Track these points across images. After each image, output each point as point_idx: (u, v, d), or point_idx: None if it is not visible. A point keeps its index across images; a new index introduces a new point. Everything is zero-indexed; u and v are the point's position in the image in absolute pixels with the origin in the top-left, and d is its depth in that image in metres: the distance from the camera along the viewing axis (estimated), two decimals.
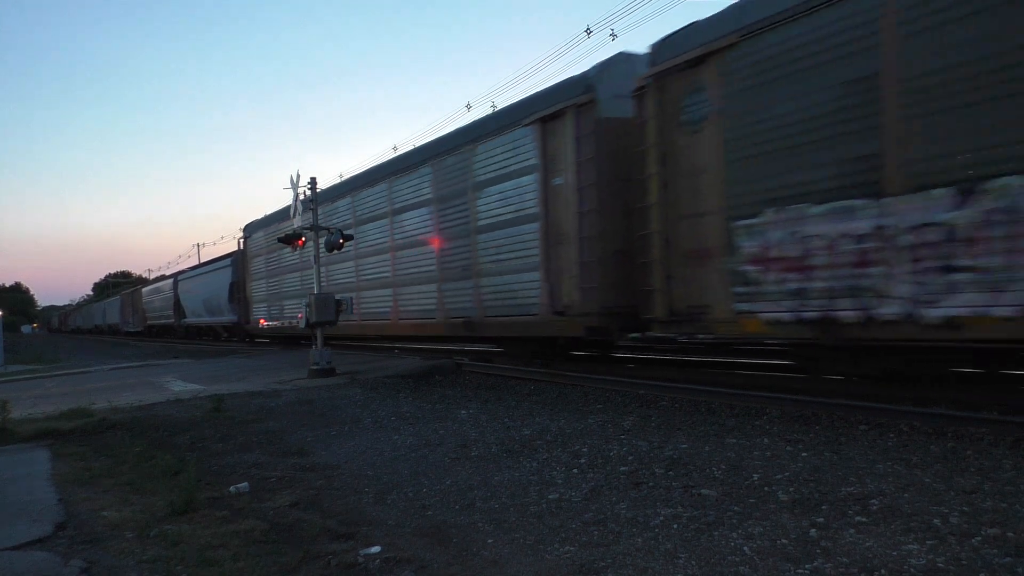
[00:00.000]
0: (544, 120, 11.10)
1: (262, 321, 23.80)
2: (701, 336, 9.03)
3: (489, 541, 4.17)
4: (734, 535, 3.95)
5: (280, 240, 14.90)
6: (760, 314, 8.00)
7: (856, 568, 3.41)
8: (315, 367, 13.58)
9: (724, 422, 7.04)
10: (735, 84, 8.17)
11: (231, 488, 5.58)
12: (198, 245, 60.63)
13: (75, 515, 5.03)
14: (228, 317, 28.53)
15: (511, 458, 6.09)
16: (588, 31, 18.63)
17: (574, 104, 10.53)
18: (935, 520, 3.95)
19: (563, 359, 12.48)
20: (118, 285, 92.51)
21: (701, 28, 8.74)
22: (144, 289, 50.43)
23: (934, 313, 6.48)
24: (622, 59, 10.48)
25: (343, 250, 14.73)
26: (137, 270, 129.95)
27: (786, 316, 7.71)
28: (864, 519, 4.05)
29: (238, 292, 26.83)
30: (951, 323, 6.37)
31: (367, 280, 16.66)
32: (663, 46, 9.20)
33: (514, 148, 11.84)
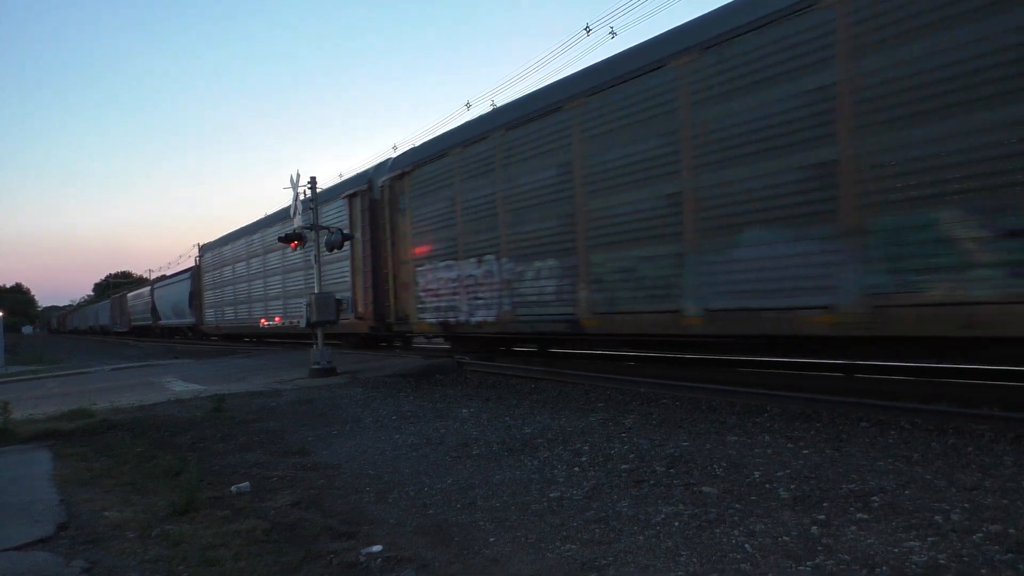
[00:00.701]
0: (349, 196, 17.56)
1: (263, 321, 24.12)
2: (408, 333, 16.02)
3: (490, 540, 4.17)
4: (735, 532, 3.96)
5: (280, 239, 14.99)
6: (426, 320, 14.08)
7: (858, 565, 3.41)
8: (316, 367, 13.58)
9: (725, 420, 7.04)
10: (413, 192, 14.44)
11: (232, 488, 5.58)
12: (198, 245, 61.02)
13: (77, 515, 5.03)
14: (189, 319, 35.51)
15: (512, 457, 6.09)
16: (587, 29, 18.59)
17: (360, 189, 17.03)
18: (936, 517, 3.95)
19: (375, 347, 19.20)
20: (118, 286, 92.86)
21: (407, 155, 15.23)
22: (128, 295, 57.12)
23: (474, 319, 12.46)
24: (390, 161, 16.26)
25: (236, 274, 24.62)
26: (138, 270, 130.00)
27: (433, 320, 13.83)
28: (865, 516, 4.05)
29: (195, 299, 33.57)
30: (480, 325, 12.37)
31: (254, 296, 25.06)
32: (394, 162, 15.73)
33: (338, 211, 18.12)
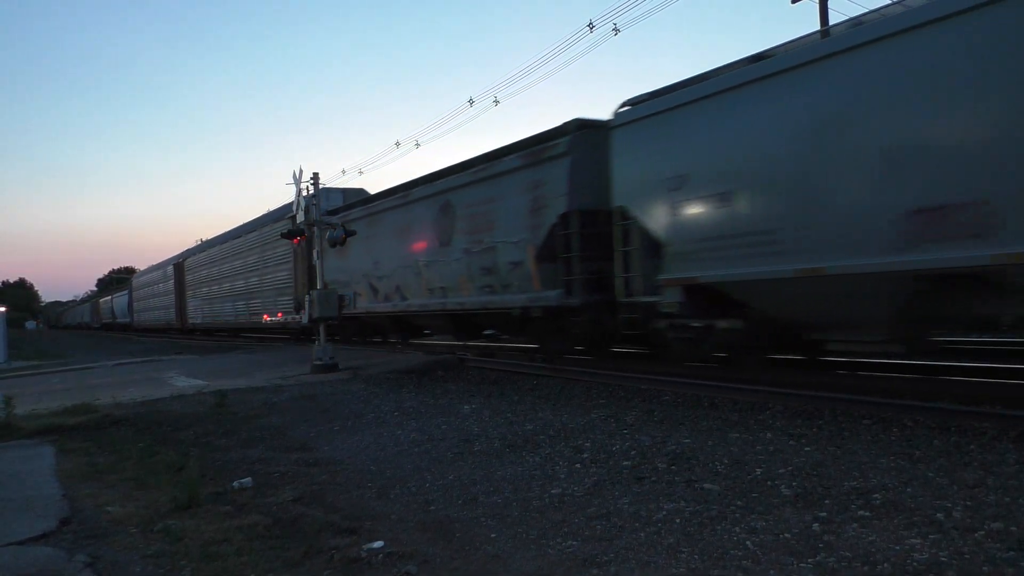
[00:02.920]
0: (174, 265, 38.79)
1: (265, 316, 24.32)
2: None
3: (492, 536, 4.17)
4: (737, 529, 3.95)
5: (282, 235, 15.08)
6: (191, 319, 36.72)
7: (859, 562, 3.41)
8: (318, 363, 13.59)
9: (727, 417, 7.04)
10: (188, 268, 37.00)
11: (234, 483, 5.59)
12: (202, 241, 61.76)
13: (79, 510, 5.04)
14: (128, 319, 55.08)
15: (514, 453, 6.09)
16: (591, 25, 18.53)
17: (176, 262, 38.75)
18: (938, 514, 3.94)
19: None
20: (122, 281, 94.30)
21: (185, 252, 39.11)
22: (100, 301, 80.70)
23: (200, 319, 35.83)
24: (183, 252, 39.14)
25: (145, 294, 49.02)
26: (141, 265, 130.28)
27: (195, 319, 36.55)
28: (867, 513, 4.05)
29: (131, 307, 53.78)
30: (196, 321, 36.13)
31: (154, 305, 45.37)
32: (181, 254, 39.59)
33: (169, 271, 40.08)
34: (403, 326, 18.25)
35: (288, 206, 20.21)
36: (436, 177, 15.36)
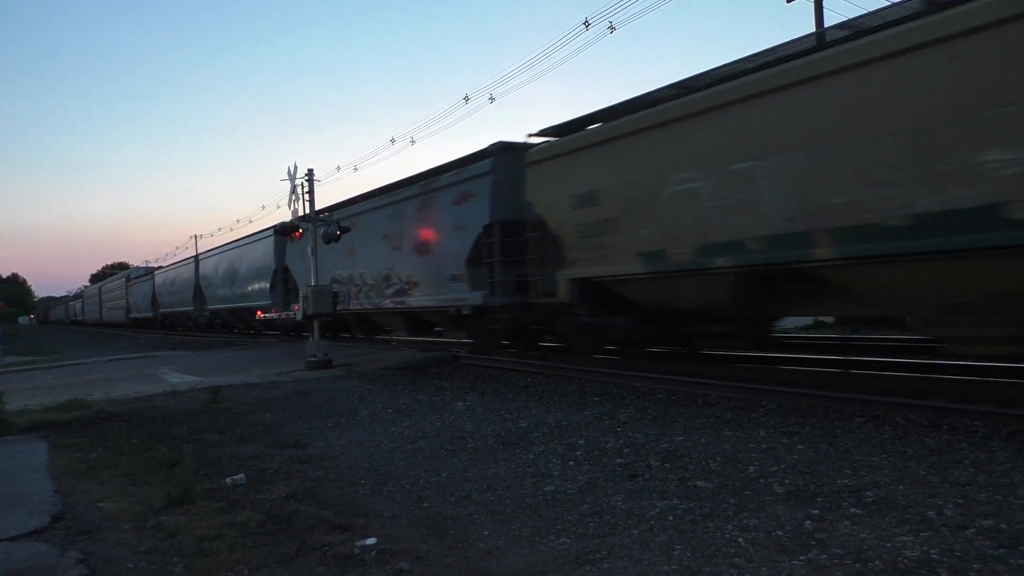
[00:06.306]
0: (99, 288, 70.10)
1: (259, 313, 24.36)
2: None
3: (485, 533, 4.18)
4: (729, 527, 3.97)
5: (279, 232, 15.05)
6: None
7: (851, 559, 3.42)
8: (312, 359, 13.57)
9: (720, 414, 7.05)
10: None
11: (228, 479, 5.58)
12: (196, 236, 61.76)
13: (72, 506, 5.03)
14: (82, 317, 78.10)
15: (508, 450, 6.10)
16: (586, 24, 18.52)
17: (101, 286, 68.85)
18: (929, 512, 3.96)
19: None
20: (113, 276, 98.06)
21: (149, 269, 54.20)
22: (70, 302, 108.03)
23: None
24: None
25: (89, 301, 77.41)
26: (135, 260, 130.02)
27: (110, 320, 62.33)
28: (859, 511, 4.06)
29: (84, 307, 78.02)
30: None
31: (90, 308, 74.30)
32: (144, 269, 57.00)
33: (98, 290, 70.86)
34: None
35: (123, 273, 56.76)
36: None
